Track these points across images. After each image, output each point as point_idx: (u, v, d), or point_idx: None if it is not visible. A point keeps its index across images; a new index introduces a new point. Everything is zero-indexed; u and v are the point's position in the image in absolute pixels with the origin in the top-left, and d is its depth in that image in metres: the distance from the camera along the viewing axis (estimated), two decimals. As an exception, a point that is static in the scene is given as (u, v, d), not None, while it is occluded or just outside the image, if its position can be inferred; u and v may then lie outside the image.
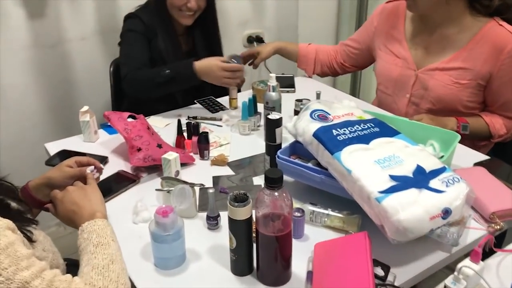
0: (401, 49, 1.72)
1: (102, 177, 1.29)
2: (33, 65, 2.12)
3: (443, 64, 1.62)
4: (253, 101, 1.66)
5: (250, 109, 1.65)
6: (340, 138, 1.18)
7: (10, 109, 2.11)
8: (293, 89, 1.96)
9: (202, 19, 1.87)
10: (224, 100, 1.89)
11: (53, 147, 1.56)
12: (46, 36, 2.12)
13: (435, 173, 1.08)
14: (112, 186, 1.33)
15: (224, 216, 1.13)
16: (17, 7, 2.02)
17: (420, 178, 1.06)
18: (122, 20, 1.91)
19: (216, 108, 1.83)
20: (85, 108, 1.58)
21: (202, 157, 1.48)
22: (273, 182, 0.91)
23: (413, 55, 1.69)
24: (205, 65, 1.70)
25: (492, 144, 1.70)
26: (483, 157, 1.47)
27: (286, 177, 1.02)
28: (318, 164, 1.22)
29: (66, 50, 2.19)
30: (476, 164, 1.40)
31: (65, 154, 1.50)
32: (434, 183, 1.05)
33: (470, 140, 1.60)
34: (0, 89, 2.08)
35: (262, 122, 1.61)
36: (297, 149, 1.34)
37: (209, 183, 1.35)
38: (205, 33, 1.94)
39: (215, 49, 1.97)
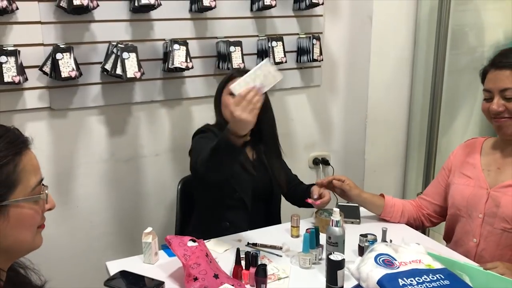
0: (475, 171, 1.70)
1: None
2: (107, 177, 2.25)
3: None
4: (315, 233, 1.61)
5: (312, 241, 1.60)
6: (406, 289, 1.10)
7: (81, 216, 2.21)
8: (357, 220, 1.90)
9: (260, 131, 1.94)
10: (283, 228, 1.86)
11: (114, 266, 1.57)
12: (123, 152, 2.26)
13: None
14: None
15: None
16: (100, 124, 2.19)
17: None
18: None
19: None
20: (149, 229, 1.61)
21: (259, 290, 1.42)
22: None
23: (486, 175, 1.67)
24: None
25: None
26: None
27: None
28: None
29: (139, 165, 2.31)
30: None
31: (124, 275, 1.50)
32: None
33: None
34: (74, 198, 2.20)
35: (324, 255, 1.55)
36: (361, 293, 1.26)
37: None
38: (267, 147, 2.01)
39: (275, 159, 2.02)
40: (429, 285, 1.13)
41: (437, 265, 1.23)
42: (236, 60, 2.25)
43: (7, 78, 1.86)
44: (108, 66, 2.03)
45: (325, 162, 2.77)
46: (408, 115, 2.76)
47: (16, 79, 1.88)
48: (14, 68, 1.87)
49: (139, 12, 2.12)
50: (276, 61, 2.35)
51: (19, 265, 0.99)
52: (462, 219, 1.71)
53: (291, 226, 1.80)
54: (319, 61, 2.52)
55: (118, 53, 2.00)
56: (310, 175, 2.78)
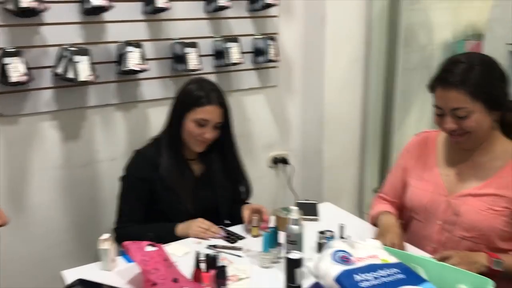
0: (432, 175, 1.70)
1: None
2: (62, 184, 2.19)
3: (476, 190, 1.59)
4: (275, 232, 1.62)
5: (271, 241, 1.61)
6: (362, 284, 1.13)
7: (36, 225, 2.14)
8: (316, 217, 1.93)
9: (219, 144, 1.92)
10: (239, 229, 1.86)
11: (70, 275, 1.53)
12: (78, 157, 2.20)
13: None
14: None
15: None
16: (54, 129, 2.13)
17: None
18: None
19: (233, 238, 1.79)
20: (106, 235, 1.58)
21: (220, 292, 1.42)
22: None
23: (444, 180, 1.67)
24: (186, 226, 1.81)
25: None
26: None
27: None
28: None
29: (96, 170, 2.26)
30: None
31: (82, 283, 1.47)
32: None
33: (508, 280, 1.51)
34: (29, 206, 2.13)
35: (284, 254, 1.56)
36: (320, 290, 1.27)
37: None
38: (222, 158, 1.97)
39: (232, 173, 2.00)
40: (385, 279, 1.16)
41: (392, 260, 1.26)
42: (192, 62, 2.23)
43: (-49, 85, 1.79)
44: (60, 70, 1.98)
45: (284, 161, 2.79)
46: (364, 113, 2.82)
47: (-39, 85, 1.80)
48: (-41, 74, 1.80)
49: (91, 14, 2.07)
50: (232, 62, 2.35)
51: None
52: (419, 223, 1.73)
53: (251, 226, 1.81)
54: (276, 62, 2.54)
55: (70, 57, 1.95)
56: (270, 174, 2.80)
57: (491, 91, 1.52)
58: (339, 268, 1.18)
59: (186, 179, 1.90)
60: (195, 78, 1.99)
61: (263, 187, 2.71)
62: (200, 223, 1.79)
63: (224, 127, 1.90)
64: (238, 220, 1.91)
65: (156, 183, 1.86)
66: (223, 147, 1.95)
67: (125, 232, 1.82)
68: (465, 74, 1.51)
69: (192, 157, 1.94)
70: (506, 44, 2.58)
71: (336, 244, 1.29)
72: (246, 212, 1.87)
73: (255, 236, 1.79)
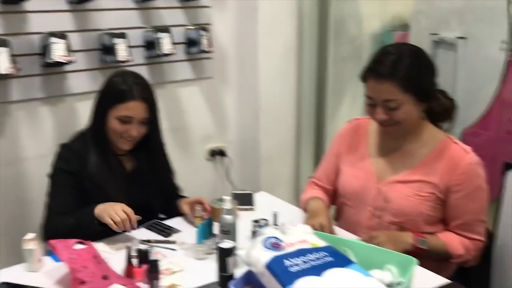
0: (363, 162, 1.75)
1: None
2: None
3: (404, 176, 1.65)
4: (209, 223, 1.62)
5: (205, 232, 1.60)
6: (292, 269, 1.14)
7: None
8: (251, 207, 1.94)
9: (145, 142, 1.84)
10: (176, 222, 1.83)
11: (-7, 278, 1.45)
12: (1, 155, 2.08)
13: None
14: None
15: None
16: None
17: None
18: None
19: (167, 231, 1.76)
20: (31, 235, 1.51)
21: (153, 287, 1.40)
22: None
23: (375, 168, 1.72)
24: (105, 205, 1.65)
25: (454, 267, 1.68)
26: (444, 281, 1.44)
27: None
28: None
29: (22, 168, 2.15)
30: (437, 289, 1.36)
31: (6, 287, 1.39)
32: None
33: (434, 261, 1.58)
34: None
35: (218, 245, 1.56)
36: (252, 279, 1.27)
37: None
38: (149, 155, 1.89)
39: (159, 171, 1.93)
40: (314, 263, 1.17)
41: (322, 244, 1.28)
42: (121, 53, 2.17)
43: None
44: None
45: (221, 153, 2.78)
46: (298, 103, 2.85)
47: None
48: None
49: (10, 3, 1.96)
50: (164, 52, 2.31)
51: None
52: (350, 209, 1.77)
53: (195, 216, 1.77)
54: (210, 53, 2.52)
55: (-13, 48, 1.84)
56: (207, 167, 2.78)
57: (421, 84, 1.57)
58: (270, 255, 1.18)
59: (116, 176, 1.82)
60: (118, 71, 1.87)
61: (201, 180, 2.69)
62: (121, 207, 1.62)
63: (151, 122, 1.81)
64: (174, 214, 1.88)
65: (85, 179, 1.78)
66: (150, 143, 1.87)
67: (52, 225, 1.73)
68: (396, 65, 1.54)
69: (122, 153, 1.86)
70: (429, 34, 2.70)
71: (268, 231, 1.30)
72: (185, 206, 1.84)
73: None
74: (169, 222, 1.83)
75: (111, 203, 1.66)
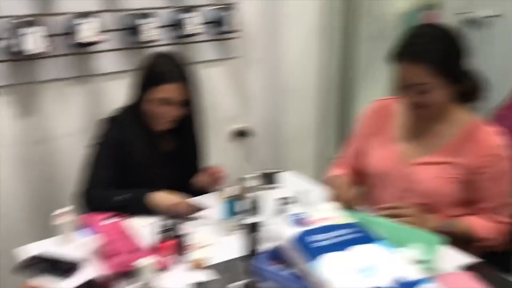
0: (390, 144, 1.73)
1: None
2: (16, 162, 2.13)
3: (431, 158, 1.63)
4: (235, 201, 1.63)
5: (231, 208, 1.61)
6: (317, 244, 1.15)
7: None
8: (277, 185, 1.94)
9: (185, 122, 1.86)
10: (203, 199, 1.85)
11: (25, 253, 1.50)
12: (32, 134, 2.14)
13: (412, 284, 1.03)
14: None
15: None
16: (4, 105, 2.06)
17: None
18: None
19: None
20: (62, 210, 1.55)
21: (180, 261, 1.42)
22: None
23: (402, 149, 1.70)
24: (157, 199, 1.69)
25: (481, 251, 1.66)
26: (471, 260, 1.42)
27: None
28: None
29: (52, 147, 2.20)
30: (465, 268, 1.35)
31: (38, 259, 1.44)
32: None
33: (460, 244, 1.56)
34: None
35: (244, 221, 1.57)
36: (278, 254, 1.29)
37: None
38: (187, 137, 1.92)
39: (195, 153, 1.96)
40: (339, 239, 1.18)
41: (347, 220, 1.29)
42: (148, 33, 2.19)
43: None
44: (9, 43, 1.90)
45: (246, 133, 2.79)
46: (322, 84, 2.82)
47: None
48: None
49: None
50: (190, 33, 2.31)
51: None
52: (376, 190, 1.76)
53: (221, 196, 1.78)
54: (236, 33, 2.51)
55: (20, 29, 1.87)
56: (230, 148, 2.79)
57: (454, 67, 1.53)
58: (295, 230, 1.19)
59: (154, 155, 1.84)
60: (156, 53, 1.86)
61: (226, 160, 2.69)
62: (186, 203, 1.68)
63: (190, 103, 1.82)
64: (198, 193, 1.88)
65: (126, 154, 1.79)
66: (190, 124, 1.89)
67: (96, 197, 1.72)
68: (429, 49, 1.50)
69: (161, 133, 1.86)
70: (461, 13, 2.63)
71: (294, 208, 1.31)
72: (203, 177, 1.87)
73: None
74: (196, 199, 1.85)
75: (169, 196, 1.69)
